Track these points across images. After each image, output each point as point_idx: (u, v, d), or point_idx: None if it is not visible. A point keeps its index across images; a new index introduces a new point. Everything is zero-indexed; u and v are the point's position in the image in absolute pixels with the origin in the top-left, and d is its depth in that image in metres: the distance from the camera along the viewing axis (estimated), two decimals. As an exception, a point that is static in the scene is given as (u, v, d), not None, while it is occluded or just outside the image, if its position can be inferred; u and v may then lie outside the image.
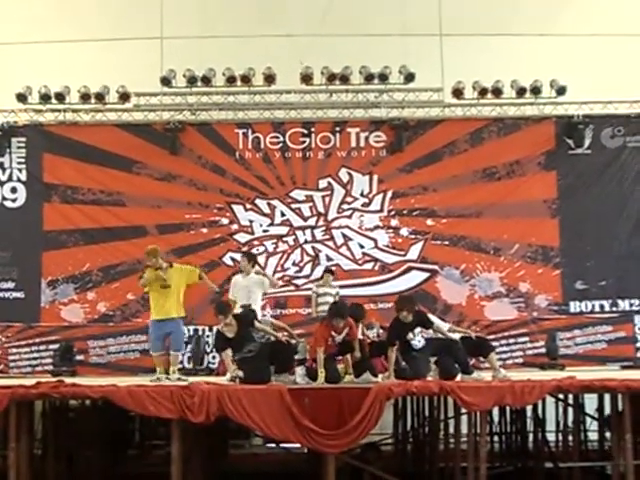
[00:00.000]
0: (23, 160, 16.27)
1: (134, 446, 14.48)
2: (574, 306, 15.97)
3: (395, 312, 11.15)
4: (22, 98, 15.94)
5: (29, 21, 16.73)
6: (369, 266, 16.23)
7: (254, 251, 15.41)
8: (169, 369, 11.62)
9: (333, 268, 15.16)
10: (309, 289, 14.59)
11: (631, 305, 15.89)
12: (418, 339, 11.14)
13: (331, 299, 14.09)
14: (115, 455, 13.15)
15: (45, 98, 16.00)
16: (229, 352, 10.97)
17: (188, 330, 15.14)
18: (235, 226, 16.32)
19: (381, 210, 16.38)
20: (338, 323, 11.01)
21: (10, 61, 16.35)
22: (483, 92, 16.02)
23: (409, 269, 16.17)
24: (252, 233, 16.31)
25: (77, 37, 16.52)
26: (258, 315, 12.15)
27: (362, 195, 16.43)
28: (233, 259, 16.04)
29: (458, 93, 16.02)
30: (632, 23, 16.57)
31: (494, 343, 13.87)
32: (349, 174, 16.44)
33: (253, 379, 10.56)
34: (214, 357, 14.87)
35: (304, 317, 15.15)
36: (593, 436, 13.39)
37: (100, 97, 16.03)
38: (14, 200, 16.18)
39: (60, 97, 16.01)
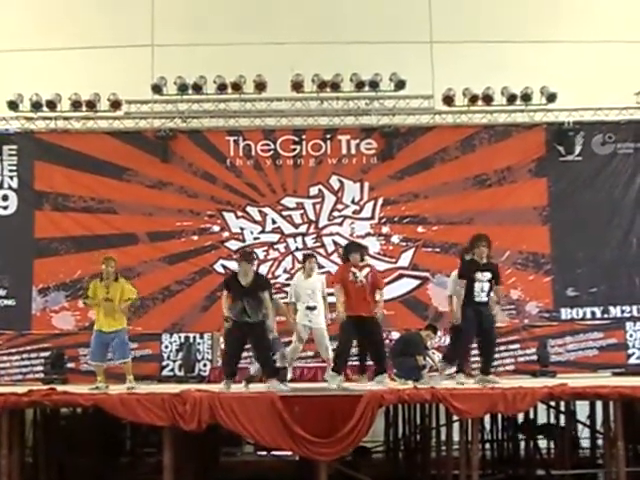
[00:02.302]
0: (14, 167, 16.25)
1: (126, 454, 14.43)
2: (565, 313, 15.99)
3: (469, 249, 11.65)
4: (13, 105, 15.91)
5: (20, 29, 16.71)
6: (360, 273, 16.21)
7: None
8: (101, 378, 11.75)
9: None
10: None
11: (622, 312, 15.91)
12: (484, 287, 11.30)
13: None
14: (107, 463, 13.10)
15: (36, 106, 15.98)
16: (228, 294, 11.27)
17: (179, 337, 15.18)
18: (226, 233, 16.31)
19: (372, 217, 16.40)
20: (356, 259, 11.37)
21: (1, 68, 16.31)
22: (474, 99, 16.05)
23: (400, 276, 16.18)
24: (243, 240, 16.30)
25: (68, 45, 16.51)
26: (322, 317, 12.24)
27: (353, 202, 16.44)
28: (224, 266, 16.04)
29: (449, 100, 16.04)
30: (622, 30, 16.63)
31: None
32: (340, 181, 16.46)
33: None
34: (205, 365, 14.87)
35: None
36: (585, 443, 13.40)
37: (91, 105, 16.02)
38: (5, 207, 16.15)
39: (51, 105, 15.99)
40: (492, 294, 11.51)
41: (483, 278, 11.40)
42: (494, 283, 11.47)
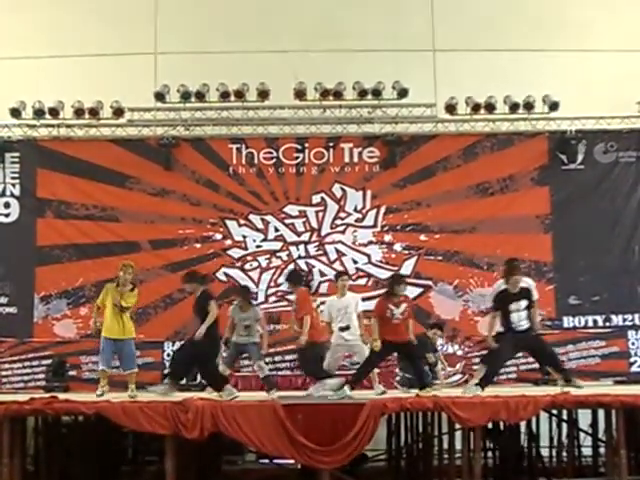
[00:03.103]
0: (17, 175, 16.25)
1: (127, 462, 14.41)
2: (567, 321, 15.97)
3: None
4: (16, 113, 15.92)
5: (23, 36, 16.72)
6: (362, 281, 16.21)
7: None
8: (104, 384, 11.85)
9: (312, 283, 15.32)
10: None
11: (624, 320, 15.89)
12: (521, 315, 11.34)
13: None
14: (108, 471, 13.09)
15: (39, 113, 15.99)
16: None
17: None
18: (229, 241, 16.30)
19: (374, 225, 16.39)
20: (399, 290, 11.71)
21: (4, 76, 16.30)
22: (476, 108, 16.05)
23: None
24: (245, 248, 16.30)
25: (71, 52, 16.51)
26: (357, 335, 12.26)
27: (355, 210, 16.43)
28: (227, 274, 16.05)
29: (451, 108, 16.05)
30: (625, 39, 16.63)
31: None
32: (342, 189, 16.45)
33: None
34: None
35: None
36: (587, 451, 13.37)
37: (94, 112, 16.02)
38: (7, 215, 16.15)
39: (54, 112, 16.00)
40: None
41: (519, 307, 11.42)
42: (531, 307, 11.50)
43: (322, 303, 14.87)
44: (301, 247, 16.35)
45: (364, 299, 15.78)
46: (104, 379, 11.77)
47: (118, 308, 11.82)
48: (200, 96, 16.03)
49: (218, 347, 12.17)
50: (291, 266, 15.73)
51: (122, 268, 11.94)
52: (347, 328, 12.06)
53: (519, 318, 11.36)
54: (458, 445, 11.18)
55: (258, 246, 16.34)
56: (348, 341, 12.17)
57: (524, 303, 11.37)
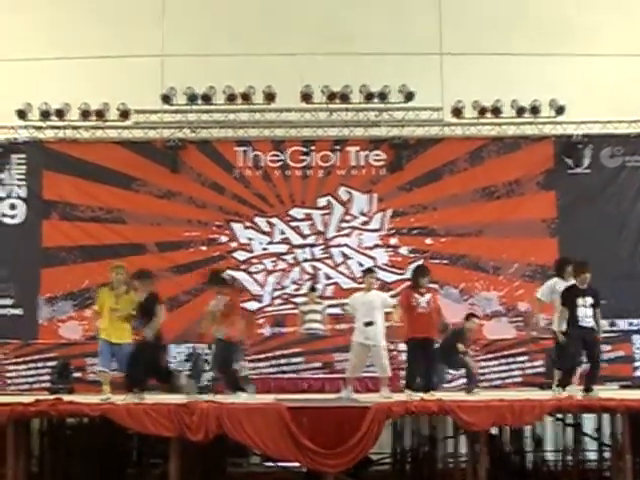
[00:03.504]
0: (23, 177, 16.31)
1: (132, 464, 14.39)
2: (573, 325, 15.95)
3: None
4: (22, 115, 15.97)
5: (30, 38, 16.75)
6: (368, 284, 16.20)
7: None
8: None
9: (317, 285, 15.44)
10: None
11: (630, 325, 15.88)
12: (587, 312, 11.39)
13: (318, 316, 14.26)
14: (113, 473, 13.07)
15: (45, 115, 16.03)
16: None
17: (186, 348, 15.14)
18: (234, 244, 16.33)
19: (380, 229, 16.41)
20: (423, 283, 11.61)
21: (10, 78, 16.33)
22: (483, 111, 16.07)
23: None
24: (251, 251, 16.32)
25: (77, 54, 16.54)
26: (380, 335, 11.96)
27: (361, 214, 16.45)
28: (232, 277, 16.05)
29: (458, 112, 16.06)
30: (631, 43, 16.63)
31: (493, 362, 13.92)
32: (348, 192, 16.47)
33: None
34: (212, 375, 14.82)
35: (303, 335, 15.11)
36: (592, 456, 13.34)
37: (100, 114, 16.07)
38: (13, 217, 16.20)
39: (60, 114, 16.04)
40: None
41: (586, 303, 11.44)
42: (597, 306, 11.54)
43: (329, 306, 14.97)
44: (307, 250, 16.36)
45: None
46: (106, 383, 11.72)
47: (114, 312, 11.77)
48: (206, 98, 16.06)
49: (164, 347, 12.31)
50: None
51: (113, 269, 11.85)
52: (371, 324, 11.96)
53: (585, 314, 11.40)
54: (463, 449, 11.15)
55: (264, 249, 16.36)
56: (368, 339, 12.01)
57: (590, 300, 11.43)
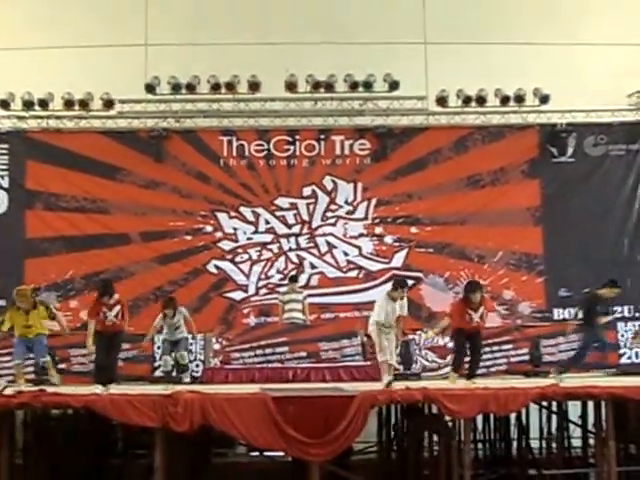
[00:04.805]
0: (6, 167, 16.22)
1: (117, 455, 14.38)
2: (557, 313, 16.04)
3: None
4: (5, 104, 15.89)
5: (12, 27, 16.66)
6: (353, 274, 16.24)
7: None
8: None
9: (294, 273, 15.58)
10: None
11: (614, 312, 15.90)
12: None
13: (298, 305, 14.25)
14: (97, 464, 13.06)
15: (28, 104, 15.94)
16: None
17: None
18: (219, 234, 16.29)
19: (365, 218, 16.40)
20: (475, 298, 11.65)
21: (-7, 67, 16.29)
22: (467, 100, 16.07)
23: (393, 276, 16.16)
24: (236, 241, 16.28)
25: (61, 43, 16.44)
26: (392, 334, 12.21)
27: (346, 203, 16.44)
28: (217, 267, 16.05)
29: (442, 101, 16.05)
30: (615, 33, 16.62)
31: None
32: (333, 182, 16.45)
33: None
34: (197, 365, 14.80)
35: (288, 325, 15.11)
36: (576, 443, 13.40)
37: (84, 104, 15.98)
38: (-4, 207, 16.13)
39: (43, 104, 15.95)
40: None
41: None
42: None
43: (308, 296, 14.93)
44: (292, 239, 16.35)
45: (354, 292, 16.02)
46: (19, 377, 11.86)
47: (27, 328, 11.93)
48: (191, 88, 15.99)
49: None
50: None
51: (17, 298, 11.99)
52: (389, 327, 12.06)
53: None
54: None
55: (249, 238, 16.33)
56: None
57: None
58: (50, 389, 10.97)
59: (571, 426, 13.03)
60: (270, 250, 16.31)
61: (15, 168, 16.19)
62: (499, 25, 16.83)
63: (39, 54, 16.33)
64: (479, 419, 13.47)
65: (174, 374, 13.26)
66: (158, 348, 14.58)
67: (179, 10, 17.10)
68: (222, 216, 16.30)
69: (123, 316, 12.04)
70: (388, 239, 16.37)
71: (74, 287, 15.86)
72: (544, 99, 15.93)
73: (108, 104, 16.03)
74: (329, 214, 16.44)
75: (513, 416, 12.87)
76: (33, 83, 15.84)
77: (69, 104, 15.99)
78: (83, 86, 15.89)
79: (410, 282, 14.15)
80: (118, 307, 11.93)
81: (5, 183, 16.19)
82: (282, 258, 16.27)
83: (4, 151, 16.21)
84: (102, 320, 11.90)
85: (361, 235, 16.38)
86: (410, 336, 14.04)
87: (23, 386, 11.37)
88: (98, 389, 10.97)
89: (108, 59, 16.33)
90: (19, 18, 16.76)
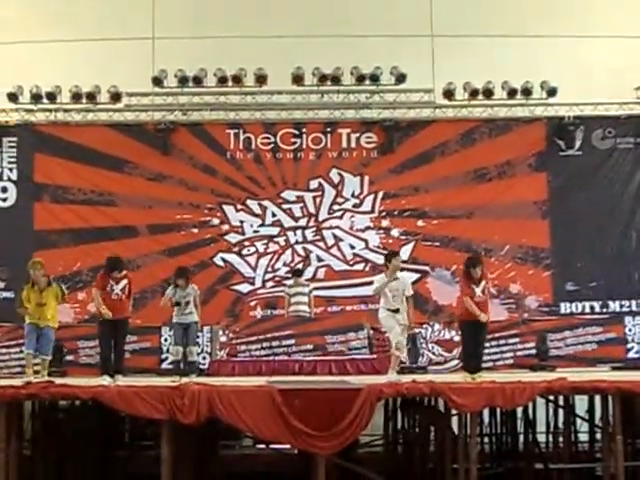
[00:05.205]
0: (14, 160, 16.26)
1: (124, 447, 14.43)
2: (564, 307, 16.02)
3: None
4: (13, 97, 15.91)
5: (21, 21, 16.68)
6: (360, 267, 16.24)
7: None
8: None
9: (298, 267, 15.59)
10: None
11: (621, 306, 15.93)
12: None
13: (304, 298, 14.21)
14: (105, 456, 13.11)
15: (36, 98, 15.97)
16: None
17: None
18: (226, 226, 16.31)
19: (372, 211, 16.39)
20: (476, 273, 11.53)
21: (1, 60, 16.27)
22: (474, 93, 16.04)
23: (400, 270, 16.14)
24: (243, 233, 16.30)
25: (68, 37, 16.45)
26: (404, 315, 11.80)
27: (353, 196, 16.43)
28: (224, 259, 16.07)
29: (449, 94, 16.03)
30: (623, 26, 16.59)
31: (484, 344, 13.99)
32: (340, 175, 16.45)
33: None
34: (204, 357, 14.84)
35: (295, 318, 15.13)
36: (583, 437, 13.40)
37: (91, 97, 16.00)
38: (4, 200, 16.17)
39: (51, 97, 15.98)
40: None
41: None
42: None
43: (315, 289, 14.94)
44: (298, 232, 16.36)
45: (361, 285, 15.98)
46: (29, 366, 11.80)
47: (41, 306, 11.88)
48: (198, 81, 16.00)
49: None
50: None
51: (31, 266, 11.94)
52: (397, 311, 11.81)
53: None
54: (455, 430, 11.18)
55: (255, 231, 16.34)
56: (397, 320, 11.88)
57: None
58: (58, 381, 11.02)
59: (578, 420, 13.03)
60: (277, 243, 16.33)
61: (23, 161, 16.23)
62: (506, 18, 16.77)
63: (47, 48, 16.36)
64: (485, 413, 13.48)
65: (182, 366, 13.20)
66: (165, 340, 14.65)
67: (186, 3, 17.11)
68: (229, 209, 16.31)
69: (130, 291, 11.83)
70: (395, 232, 16.36)
71: (82, 279, 15.89)
72: (552, 92, 15.89)
73: (115, 97, 16.04)
74: (336, 207, 16.44)
75: (520, 410, 12.88)
76: (41, 76, 15.89)
77: (77, 97, 16.01)
78: (91, 79, 15.91)
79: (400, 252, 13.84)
80: (125, 281, 11.76)
81: (13, 176, 16.23)
82: (289, 251, 16.28)
83: (12, 144, 16.24)
84: (108, 294, 11.60)
85: (368, 228, 16.38)
86: (417, 329, 14.04)
87: (32, 377, 11.37)
88: (105, 380, 10.99)
89: (115, 52, 16.35)
90: (27, 12, 16.79)
